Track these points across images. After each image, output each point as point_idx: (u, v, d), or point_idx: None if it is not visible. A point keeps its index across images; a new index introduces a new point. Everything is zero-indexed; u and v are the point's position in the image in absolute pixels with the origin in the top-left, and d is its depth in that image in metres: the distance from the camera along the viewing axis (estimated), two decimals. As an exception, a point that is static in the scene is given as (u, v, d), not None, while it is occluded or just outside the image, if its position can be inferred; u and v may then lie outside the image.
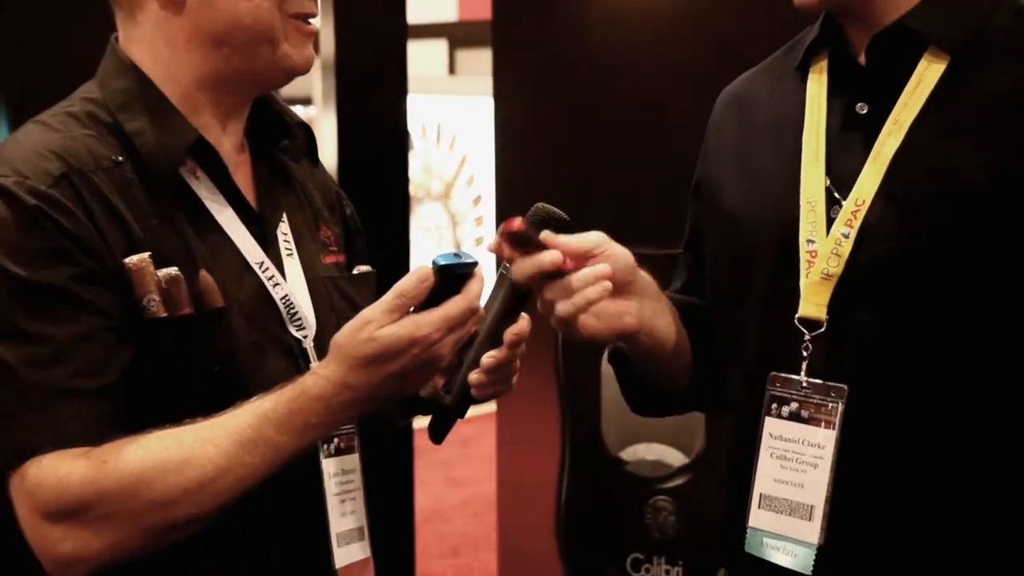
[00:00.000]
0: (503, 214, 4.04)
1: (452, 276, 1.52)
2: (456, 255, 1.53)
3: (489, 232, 8.67)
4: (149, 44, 1.64)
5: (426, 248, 9.03)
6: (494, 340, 1.63)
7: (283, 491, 1.59)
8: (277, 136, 1.76)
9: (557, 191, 3.81)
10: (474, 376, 1.63)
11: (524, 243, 1.60)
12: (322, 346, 1.64)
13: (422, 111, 8.75)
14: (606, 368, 3.62)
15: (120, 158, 1.57)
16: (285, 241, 1.70)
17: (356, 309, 1.70)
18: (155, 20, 1.64)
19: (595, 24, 3.84)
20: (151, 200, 1.57)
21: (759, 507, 1.64)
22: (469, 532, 6.64)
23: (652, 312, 1.71)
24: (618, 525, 3.64)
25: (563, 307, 1.60)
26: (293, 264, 1.70)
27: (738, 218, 1.74)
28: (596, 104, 3.79)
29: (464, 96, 9.46)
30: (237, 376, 1.57)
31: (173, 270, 1.54)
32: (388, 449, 3.74)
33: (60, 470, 1.46)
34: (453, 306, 1.51)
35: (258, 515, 1.59)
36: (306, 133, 1.78)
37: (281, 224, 1.71)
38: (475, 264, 1.54)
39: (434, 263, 1.51)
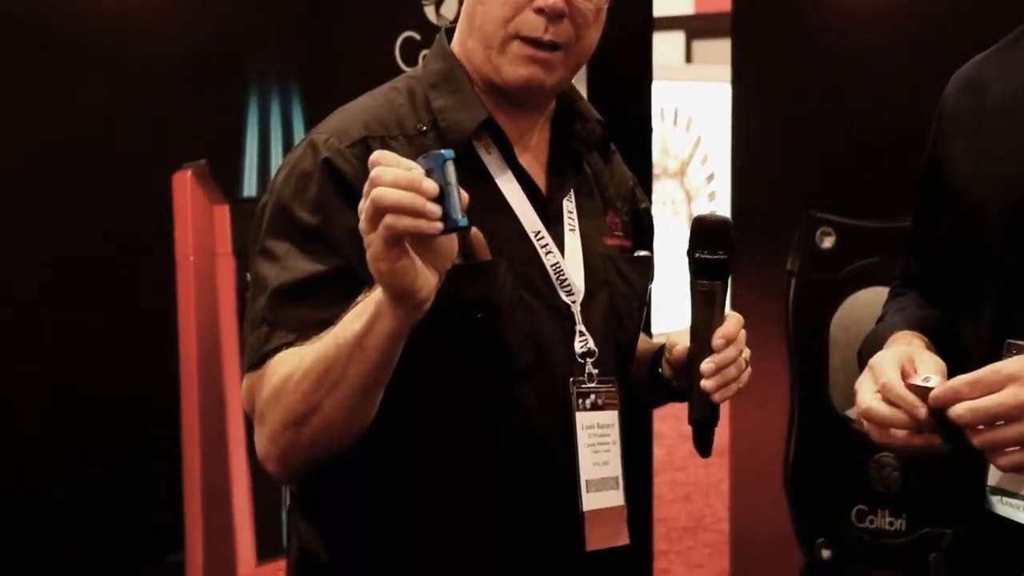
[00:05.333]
0: (738, 191, 4.01)
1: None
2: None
3: (722, 207, 8.55)
4: (460, 31, 1.73)
5: (662, 220, 8.97)
6: (707, 348, 1.65)
7: (538, 440, 1.65)
8: (577, 128, 1.79)
9: (790, 171, 3.79)
10: (705, 383, 1.64)
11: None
12: (589, 312, 1.69)
13: (660, 96, 8.68)
14: (834, 333, 3.55)
15: (424, 128, 1.66)
16: (569, 218, 1.73)
17: (630, 285, 1.77)
18: (463, 9, 1.73)
19: (831, 13, 3.75)
20: None
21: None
22: (700, 481, 6.59)
23: None
24: (844, 479, 3.57)
25: None
26: (573, 238, 1.72)
27: (969, 195, 1.67)
28: (827, 89, 3.71)
29: (699, 82, 9.36)
30: (499, 325, 1.61)
31: None
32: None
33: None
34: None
35: (512, 460, 1.64)
36: (602, 129, 1.81)
37: (567, 203, 1.74)
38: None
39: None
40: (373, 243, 1.37)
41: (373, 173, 1.36)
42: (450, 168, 1.37)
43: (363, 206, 1.37)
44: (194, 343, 2.86)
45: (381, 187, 1.35)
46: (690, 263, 1.67)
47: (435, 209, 1.35)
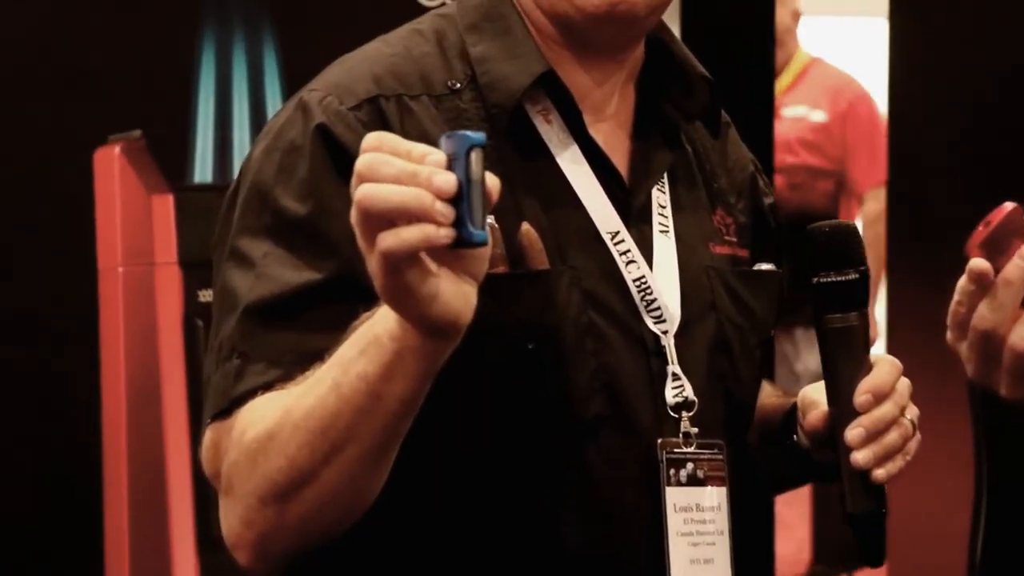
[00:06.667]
0: (898, 169, 4.00)
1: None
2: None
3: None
4: None
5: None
6: (853, 409, 1.68)
7: (610, 526, 1.66)
8: (673, 91, 1.81)
9: (974, 140, 3.78)
10: (857, 458, 1.66)
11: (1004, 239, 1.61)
12: (686, 346, 1.70)
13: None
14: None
15: (458, 85, 1.69)
16: (661, 216, 1.75)
17: (744, 311, 1.78)
18: None
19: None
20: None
21: None
22: (845, 590, 6.57)
23: None
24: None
25: None
26: (666, 244, 1.75)
27: None
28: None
29: (843, 16, 9.39)
30: (558, 361, 1.63)
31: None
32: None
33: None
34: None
35: (573, 553, 1.65)
36: (711, 91, 1.81)
37: (658, 194, 1.76)
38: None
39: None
40: (373, 264, 1.37)
41: (362, 163, 1.35)
42: (476, 158, 1.37)
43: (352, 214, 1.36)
44: (122, 385, 2.89)
45: (368, 185, 1.34)
46: (810, 293, 1.70)
47: (447, 211, 1.34)
